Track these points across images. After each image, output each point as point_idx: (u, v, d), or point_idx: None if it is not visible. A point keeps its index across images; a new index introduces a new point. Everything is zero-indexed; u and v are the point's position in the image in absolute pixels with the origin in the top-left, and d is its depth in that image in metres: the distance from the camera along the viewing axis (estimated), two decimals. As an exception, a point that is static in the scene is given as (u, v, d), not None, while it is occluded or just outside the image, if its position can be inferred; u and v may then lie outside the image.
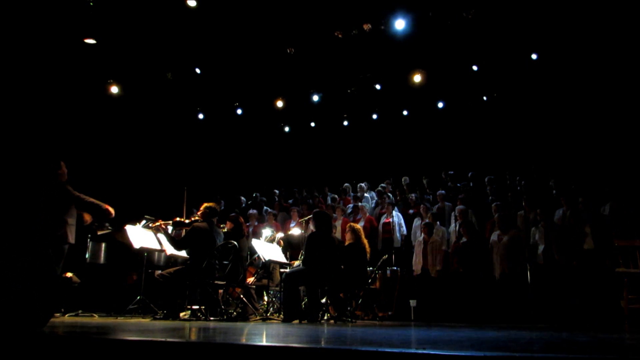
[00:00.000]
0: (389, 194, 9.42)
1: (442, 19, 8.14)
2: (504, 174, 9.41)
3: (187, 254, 6.10)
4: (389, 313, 6.92)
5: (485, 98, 10.61)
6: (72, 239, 4.42)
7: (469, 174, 9.74)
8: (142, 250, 6.12)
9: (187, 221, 6.03)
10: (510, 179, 9.29)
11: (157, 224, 6.10)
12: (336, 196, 10.17)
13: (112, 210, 4.35)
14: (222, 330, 3.53)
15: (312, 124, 12.07)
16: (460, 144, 10.92)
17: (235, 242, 5.84)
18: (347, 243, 6.13)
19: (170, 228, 6.14)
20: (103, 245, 6.77)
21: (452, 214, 7.84)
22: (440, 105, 10.97)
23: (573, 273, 6.29)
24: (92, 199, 4.32)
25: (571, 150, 9.45)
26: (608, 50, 8.56)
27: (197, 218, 5.97)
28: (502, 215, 6.96)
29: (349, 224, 6.53)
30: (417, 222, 8.26)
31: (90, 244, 6.67)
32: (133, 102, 10.40)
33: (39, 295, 3.44)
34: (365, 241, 6.22)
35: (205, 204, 5.99)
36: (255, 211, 9.70)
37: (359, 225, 6.61)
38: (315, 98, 10.64)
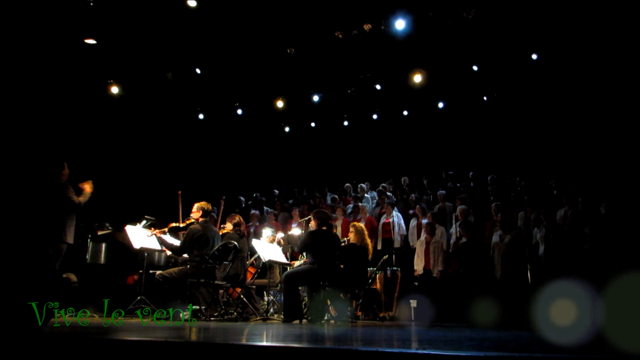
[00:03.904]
0: (389, 193, 9.43)
1: (442, 19, 8.13)
2: (505, 174, 9.40)
3: (187, 254, 6.10)
4: (390, 313, 6.92)
5: (485, 98, 10.60)
6: (70, 238, 4.43)
7: (470, 174, 9.73)
8: (142, 250, 6.12)
9: (182, 225, 6.03)
10: (511, 179, 9.28)
11: (153, 233, 6.12)
12: (336, 196, 10.18)
13: (87, 187, 4.44)
14: (223, 331, 3.53)
15: (313, 124, 12.07)
16: (461, 144, 10.91)
17: (236, 243, 5.84)
18: (350, 242, 6.13)
19: (168, 236, 6.15)
20: (103, 245, 6.76)
21: (453, 214, 7.84)
22: (440, 105, 10.97)
23: (573, 274, 6.28)
24: (81, 199, 4.36)
25: (572, 150, 9.44)
26: (608, 50, 8.55)
27: (191, 220, 5.96)
28: (504, 216, 6.95)
29: (352, 224, 6.53)
30: (413, 222, 8.27)
31: (90, 244, 6.66)
32: (133, 103, 10.40)
33: (40, 295, 3.44)
34: (369, 241, 6.23)
35: (197, 204, 5.99)
36: (257, 211, 9.71)
37: (362, 225, 6.61)
38: (316, 98, 10.64)
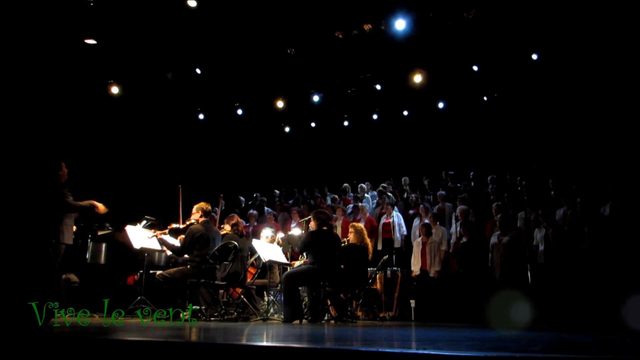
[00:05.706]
0: (389, 193, 9.43)
1: (442, 19, 8.14)
2: (505, 174, 9.40)
3: (187, 254, 6.10)
4: (390, 313, 6.92)
5: (485, 98, 10.60)
6: (68, 239, 4.42)
7: (470, 174, 9.73)
8: (142, 250, 6.12)
9: (182, 226, 6.03)
10: (511, 179, 9.28)
11: (154, 234, 6.12)
12: (336, 196, 10.17)
13: (100, 206, 4.38)
14: (223, 331, 3.53)
15: (313, 124, 12.07)
16: (461, 144, 10.91)
17: (236, 243, 5.84)
18: (350, 242, 6.14)
19: (169, 236, 6.16)
20: (103, 245, 6.76)
21: (453, 214, 7.84)
22: (440, 105, 10.96)
23: (573, 273, 6.29)
24: (81, 203, 4.34)
25: (571, 150, 9.44)
26: (608, 50, 8.55)
27: (192, 221, 5.97)
28: (504, 216, 6.95)
29: (351, 224, 6.52)
30: (416, 222, 8.26)
31: (90, 244, 6.66)
32: (134, 103, 10.40)
33: (40, 295, 3.44)
34: (368, 240, 6.23)
35: (196, 205, 6.01)
36: (255, 211, 9.70)
37: (361, 225, 6.61)
38: (316, 98, 10.63)
